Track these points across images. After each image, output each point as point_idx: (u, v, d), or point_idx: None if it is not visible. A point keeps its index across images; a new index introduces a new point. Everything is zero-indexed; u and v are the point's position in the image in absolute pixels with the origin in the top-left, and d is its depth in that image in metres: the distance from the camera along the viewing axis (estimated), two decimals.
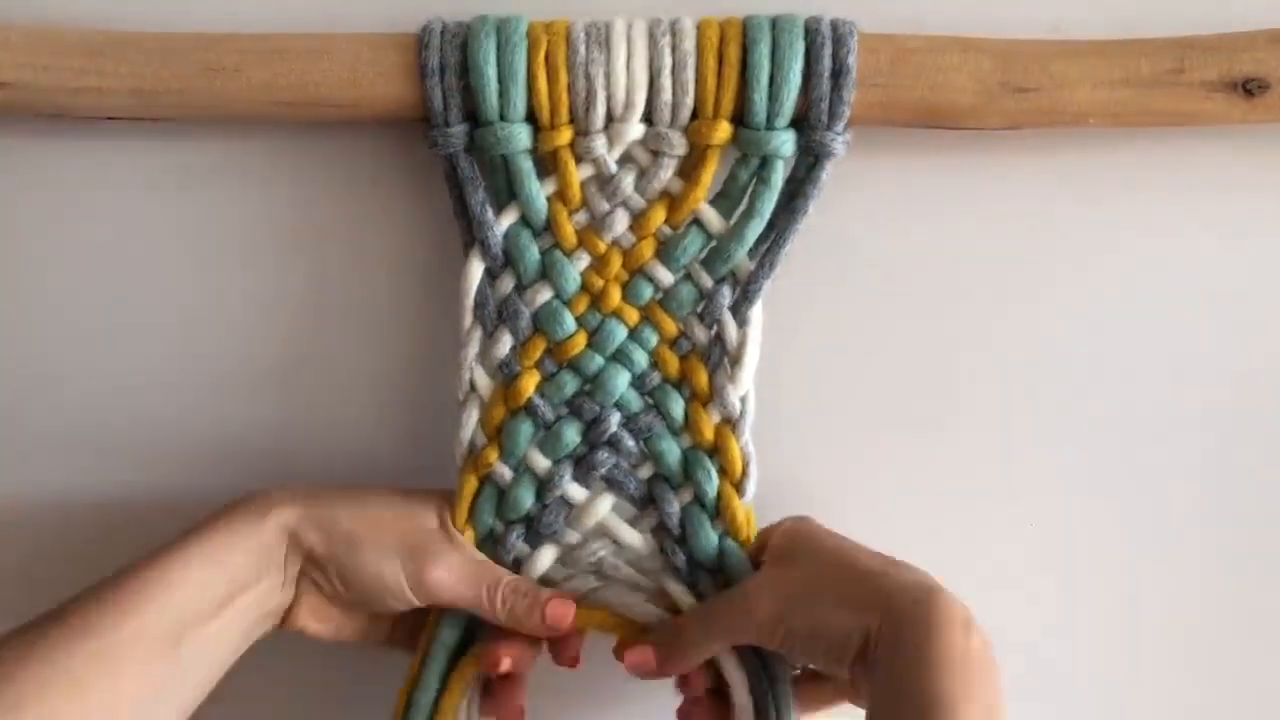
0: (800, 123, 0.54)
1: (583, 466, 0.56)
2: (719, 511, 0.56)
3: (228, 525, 0.53)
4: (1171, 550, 0.62)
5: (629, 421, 0.56)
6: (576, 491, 0.57)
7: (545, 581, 0.57)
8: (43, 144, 0.59)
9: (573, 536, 0.57)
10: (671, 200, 0.55)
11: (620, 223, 0.55)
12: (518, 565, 0.57)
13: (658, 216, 0.55)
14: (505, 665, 0.55)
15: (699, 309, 0.56)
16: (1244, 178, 0.59)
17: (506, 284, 0.56)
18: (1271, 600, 0.62)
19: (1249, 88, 0.54)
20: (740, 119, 0.54)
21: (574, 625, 0.55)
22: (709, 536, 0.56)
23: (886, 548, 0.63)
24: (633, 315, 0.56)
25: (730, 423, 0.56)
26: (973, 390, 0.61)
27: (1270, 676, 0.63)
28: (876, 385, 0.61)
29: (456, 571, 0.54)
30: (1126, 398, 0.61)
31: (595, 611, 0.56)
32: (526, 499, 0.56)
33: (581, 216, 0.56)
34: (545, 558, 0.57)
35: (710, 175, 0.55)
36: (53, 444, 0.62)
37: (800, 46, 0.53)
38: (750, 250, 0.55)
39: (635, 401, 0.56)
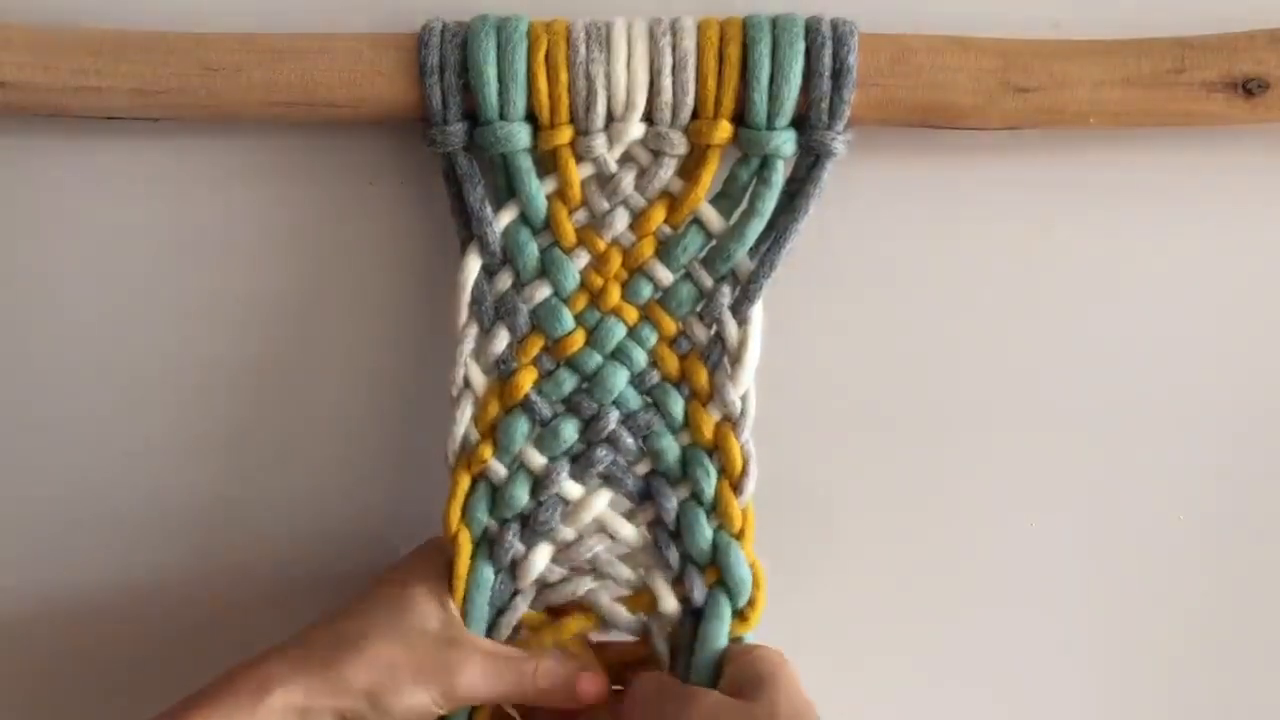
0: (801, 122, 0.54)
1: (580, 463, 0.56)
2: (715, 509, 0.56)
3: (216, 709, 0.49)
4: (1174, 552, 0.62)
5: (628, 419, 0.56)
6: (572, 488, 0.56)
7: (541, 582, 0.57)
8: (43, 144, 0.59)
9: (568, 533, 0.57)
10: (672, 200, 0.55)
11: (620, 222, 0.55)
12: (515, 566, 0.56)
13: (658, 216, 0.55)
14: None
15: (698, 308, 0.56)
16: (1244, 178, 0.59)
17: (504, 281, 0.56)
18: (1273, 602, 0.62)
19: (1249, 88, 0.54)
20: (741, 119, 0.54)
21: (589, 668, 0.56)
22: (704, 533, 0.56)
23: (886, 549, 0.63)
24: (632, 314, 0.56)
25: (730, 421, 0.56)
26: (972, 390, 0.61)
27: (1271, 678, 0.63)
28: (876, 385, 0.61)
29: (482, 673, 0.53)
30: (1127, 398, 0.61)
31: (573, 621, 0.57)
32: (521, 496, 0.56)
33: (581, 215, 0.56)
34: (541, 556, 0.56)
35: (710, 175, 0.55)
36: (51, 441, 0.62)
37: (800, 46, 0.53)
38: (750, 250, 0.55)
39: (634, 399, 0.56)
